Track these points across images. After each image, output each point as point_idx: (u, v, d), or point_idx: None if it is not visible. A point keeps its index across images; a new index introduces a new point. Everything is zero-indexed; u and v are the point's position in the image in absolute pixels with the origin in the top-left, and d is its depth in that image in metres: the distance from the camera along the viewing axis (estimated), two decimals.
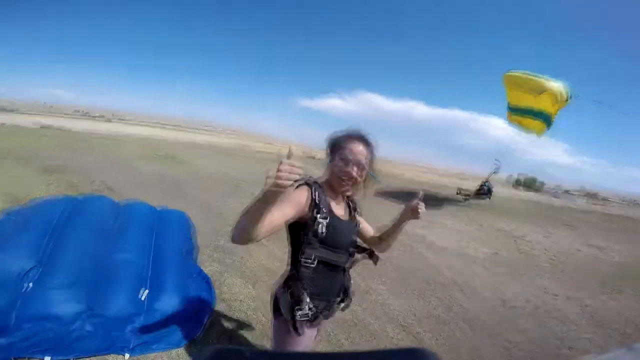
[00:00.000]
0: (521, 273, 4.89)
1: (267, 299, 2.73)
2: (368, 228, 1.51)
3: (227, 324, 2.35)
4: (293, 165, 0.88)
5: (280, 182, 0.86)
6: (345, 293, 1.41)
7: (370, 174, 1.30)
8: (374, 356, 0.35)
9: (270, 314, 1.37)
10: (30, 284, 1.85)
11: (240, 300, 2.71)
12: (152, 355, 1.89)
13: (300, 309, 1.21)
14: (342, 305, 1.41)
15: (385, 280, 3.74)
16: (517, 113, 9.66)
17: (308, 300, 1.22)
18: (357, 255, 1.40)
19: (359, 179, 1.25)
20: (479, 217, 9.44)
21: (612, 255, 7.05)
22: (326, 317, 1.36)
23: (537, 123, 9.30)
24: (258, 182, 1.18)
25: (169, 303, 2.06)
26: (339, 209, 1.32)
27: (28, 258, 2.03)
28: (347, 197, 1.38)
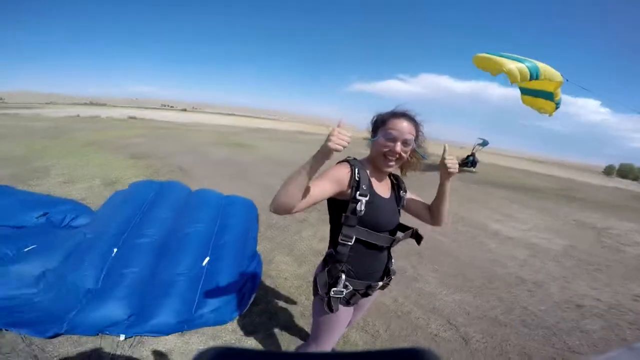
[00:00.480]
0: (598, 269, 4.32)
1: (311, 279, 2.93)
2: (420, 203, 1.45)
3: (270, 302, 2.49)
4: (343, 133, 0.99)
5: (330, 144, 0.98)
6: (387, 274, 1.38)
7: (416, 151, 1.28)
8: (373, 356, 0.34)
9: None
10: (115, 249, 2.33)
11: (285, 278, 2.87)
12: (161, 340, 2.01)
13: (336, 288, 1.25)
14: (380, 284, 1.37)
15: (437, 268, 3.57)
16: (529, 94, 8.85)
17: (344, 278, 1.25)
18: (399, 235, 1.35)
19: (403, 154, 1.22)
20: (554, 207, 8.52)
21: None
22: (364, 296, 1.35)
23: (548, 103, 8.53)
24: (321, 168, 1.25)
25: (225, 274, 2.30)
26: (382, 188, 1.30)
27: (125, 224, 2.63)
28: (393, 176, 1.38)
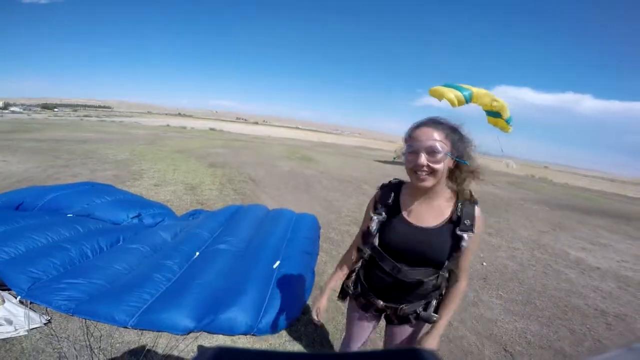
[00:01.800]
0: None
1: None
2: (465, 256, 1.16)
3: (311, 301, 2.53)
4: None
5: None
6: (397, 302, 1.26)
7: (455, 159, 1.08)
8: (373, 356, 0.34)
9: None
10: (197, 252, 2.64)
11: (335, 291, 2.90)
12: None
13: (348, 280, 1.37)
14: (381, 303, 1.27)
15: (502, 295, 3.30)
16: (491, 115, 11.22)
17: (353, 278, 1.35)
18: (421, 269, 1.16)
19: (432, 165, 1.05)
20: None
21: None
22: (372, 308, 1.32)
23: (500, 121, 10.91)
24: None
25: (289, 280, 2.46)
26: (422, 213, 1.16)
27: (210, 234, 3.07)
28: (465, 209, 1.12)
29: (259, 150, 13.20)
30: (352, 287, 1.36)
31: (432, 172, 1.05)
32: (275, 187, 6.89)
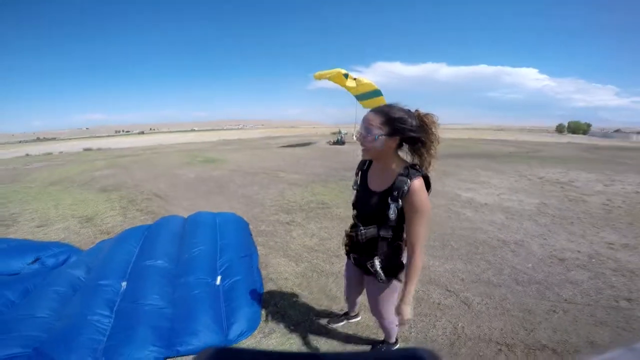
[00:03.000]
0: (571, 222, 4.69)
1: (310, 274, 3.00)
2: (407, 224, 1.36)
3: (277, 303, 2.54)
4: None
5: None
6: (353, 248, 1.56)
7: (385, 137, 1.28)
8: (375, 356, 0.35)
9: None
10: (124, 282, 2.29)
11: (286, 279, 2.93)
12: None
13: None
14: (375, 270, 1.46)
15: None
16: (362, 99, 13.81)
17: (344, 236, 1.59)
18: (363, 230, 1.42)
19: (365, 143, 1.32)
20: (519, 168, 9.14)
21: None
22: (358, 264, 1.61)
23: (377, 100, 13.17)
24: (293, 169, 1.33)
25: (240, 290, 2.33)
26: (375, 180, 1.44)
27: (126, 258, 2.66)
28: (400, 179, 1.30)
29: (153, 162, 11.83)
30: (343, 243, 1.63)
31: (367, 149, 1.35)
32: (185, 197, 6.33)
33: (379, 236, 1.40)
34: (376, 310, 1.69)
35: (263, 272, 2.92)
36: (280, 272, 3.06)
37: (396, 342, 2.03)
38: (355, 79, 13.95)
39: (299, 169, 9.05)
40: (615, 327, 2.32)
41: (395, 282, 1.54)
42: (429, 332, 2.28)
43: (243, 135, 27.28)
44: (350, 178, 7.14)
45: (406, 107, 1.32)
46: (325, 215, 4.82)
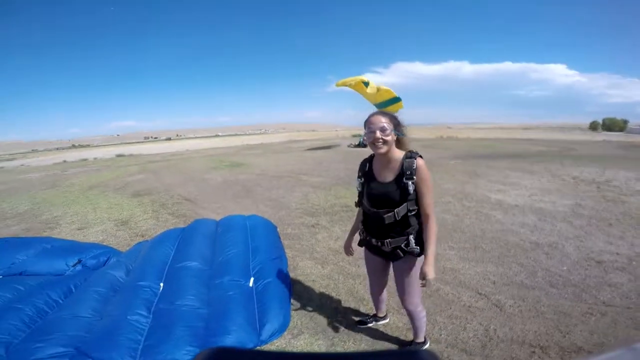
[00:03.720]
0: (609, 223, 4.45)
1: (336, 277, 3.03)
2: (420, 197, 1.62)
3: (306, 304, 2.59)
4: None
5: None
6: (384, 237, 1.72)
7: (395, 133, 1.61)
8: (373, 356, 0.35)
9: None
10: (162, 284, 2.42)
11: (313, 280, 2.98)
12: None
13: (360, 234, 1.91)
14: (374, 242, 1.77)
15: (452, 246, 3.70)
16: (382, 107, 13.41)
17: (361, 227, 1.87)
18: (398, 210, 1.64)
19: (385, 138, 1.58)
20: (550, 168, 8.76)
21: None
22: (370, 246, 1.86)
23: (396, 106, 13.52)
24: (316, 172, 1.40)
25: (272, 291, 2.41)
26: (383, 173, 1.69)
27: (163, 260, 2.76)
28: (406, 165, 1.60)
29: (182, 167, 12.31)
30: (361, 235, 1.90)
31: (384, 142, 1.58)
32: (214, 200, 6.57)
33: (408, 211, 1.63)
34: (407, 292, 1.82)
35: (291, 274, 2.99)
36: (307, 275, 3.11)
37: (425, 342, 2.05)
38: (376, 87, 14.07)
39: (321, 172, 9.12)
40: None
41: (421, 258, 1.72)
42: (460, 335, 2.25)
43: (265, 139, 27.74)
44: None
45: None
46: (349, 218, 4.84)
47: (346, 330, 2.29)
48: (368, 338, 2.23)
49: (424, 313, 1.94)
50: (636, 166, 9.36)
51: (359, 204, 1.83)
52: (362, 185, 1.77)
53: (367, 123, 1.63)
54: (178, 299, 2.15)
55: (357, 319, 2.41)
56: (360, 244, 1.94)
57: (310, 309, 2.54)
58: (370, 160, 1.79)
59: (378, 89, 13.95)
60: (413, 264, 1.75)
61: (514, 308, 2.53)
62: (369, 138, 1.61)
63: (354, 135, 25.94)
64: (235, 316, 2.01)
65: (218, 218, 4.18)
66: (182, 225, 4.70)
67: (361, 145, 17.33)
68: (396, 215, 1.64)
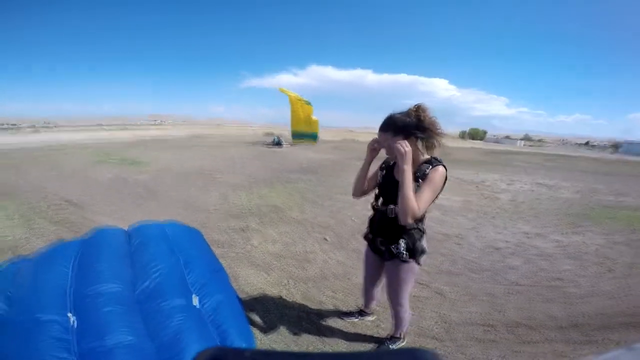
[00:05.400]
0: (492, 216, 5.39)
1: (286, 282, 2.86)
2: (418, 191, 1.54)
3: (264, 317, 2.38)
4: (375, 141, 1.70)
5: (368, 146, 1.74)
6: (380, 234, 1.78)
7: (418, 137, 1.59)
8: (374, 356, 0.35)
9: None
10: (71, 315, 1.79)
11: (262, 290, 2.75)
12: None
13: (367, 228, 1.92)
14: (371, 237, 1.85)
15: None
16: (297, 137, 14.37)
17: (367, 224, 1.90)
18: (393, 207, 1.65)
19: (390, 152, 1.65)
20: None
21: (562, 192, 7.96)
22: (373, 249, 1.88)
23: (309, 141, 14.38)
24: (232, 171, 1.22)
25: (224, 309, 2.05)
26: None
27: (60, 285, 1.96)
28: (422, 167, 1.59)
29: (57, 162, 9.95)
30: (367, 228, 1.92)
31: (390, 152, 1.63)
32: (107, 203, 5.42)
33: None
34: (394, 292, 1.83)
35: (235, 286, 2.66)
36: (253, 284, 2.85)
37: (402, 339, 2.09)
38: (310, 116, 14.59)
39: (236, 171, 8.61)
40: (561, 302, 2.76)
41: (413, 264, 1.73)
42: (422, 324, 2.40)
43: (163, 133, 24.82)
44: (295, 180, 7.11)
45: (407, 110, 1.60)
46: (281, 220, 4.66)
47: (318, 336, 2.19)
48: (344, 341, 2.16)
49: (409, 314, 1.97)
50: (497, 169, 11.67)
51: (376, 195, 1.82)
52: (382, 178, 1.78)
53: (379, 134, 1.66)
54: (106, 335, 1.63)
55: (322, 321, 2.35)
56: (364, 236, 1.97)
57: (270, 321, 2.34)
58: (390, 160, 1.81)
59: (309, 117, 14.32)
60: (401, 268, 1.76)
61: (453, 294, 2.83)
62: (385, 151, 1.70)
63: (267, 134, 25.54)
64: (191, 347, 1.64)
65: (118, 225, 3.44)
66: (71, 236, 3.79)
67: (277, 144, 17.06)
68: (391, 212, 1.65)
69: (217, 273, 2.51)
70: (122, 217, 4.67)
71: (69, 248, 2.61)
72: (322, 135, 19.77)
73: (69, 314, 1.79)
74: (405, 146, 1.48)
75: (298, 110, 15.15)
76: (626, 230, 4.91)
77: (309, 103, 14.74)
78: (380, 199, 1.78)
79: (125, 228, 3.35)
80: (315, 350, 2.01)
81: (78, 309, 1.85)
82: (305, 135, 14.89)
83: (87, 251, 2.53)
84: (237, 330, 1.87)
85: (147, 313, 1.91)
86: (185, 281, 2.25)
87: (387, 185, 1.72)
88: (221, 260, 3.10)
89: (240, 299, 2.39)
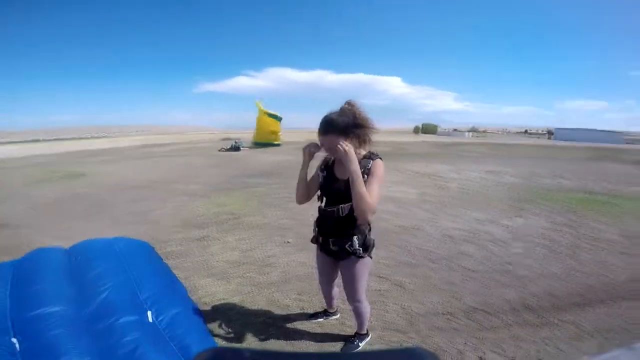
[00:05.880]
0: (445, 206, 5.68)
1: (248, 289, 2.82)
2: (367, 185, 1.58)
3: (228, 326, 2.32)
4: (311, 146, 1.71)
5: (305, 152, 1.74)
6: (331, 235, 1.76)
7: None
8: (372, 356, 0.35)
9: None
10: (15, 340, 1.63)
11: (223, 299, 2.69)
12: None
13: (313, 231, 1.91)
14: (355, 249, 1.73)
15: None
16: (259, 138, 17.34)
17: (314, 227, 1.90)
18: (342, 205, 1.67)
19: (332, 153, 1.66)
20: (394, 164, 10.50)
21: (506, 178, 8.60)
22: (325, 251, 1.87)
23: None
24: (189, 180, 1.21)
25: (182, 323, 1.97)
26: (342, 171, 1.68)
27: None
28: (363, 163, 1.62)
29: None
30: (314, 232, 1.90)
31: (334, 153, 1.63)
32: (51, 221, 5.00)
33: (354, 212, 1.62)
34: (352, 289, 1.85)
35: (193, 298, 2.57)
36: (213, 294, 2.76)
37: (367, 334, 2.14)
38: (279, 130, 16.69)
39: (194, 179, 8.29)
40: (514, 286, 2.93)
41: (367, 258, 1.80)
42: (385, 317, 2.45)
43: (114, 144, 23.16)
44: (255, 185, 7.01)
45: (341, 109, 1.66)
46: (238, 226, 4.57)
47: (286, 341, 2.17)
48: (312, 343, 2.16)
49: (368, 308, 2.01)
50: (448, 160, 12.32)
51: (320, 197, 1.82)
52: (324, 179, 1.78)
53: (319, 136, 1.66)
54: (58, 358, 1.52)
55: (291, 325, 2.35)
56: (312, 240, 1.95)
57: (235, 331, 2.27)
58: (329, 159, 1.81)
59: (275, 132, 16.11)
60: (357, 264, 1.80)
61: (412, 285, 2.93)
62: (325, 150, 1.70)
63: (224, 139, 24.87)
64: None
65: (62, 245, 3.19)
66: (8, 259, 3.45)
67: (234, 148, 16.78)
68: (341, 211, 1.66)
69: (171, 286, 2.43)
70: (69, 236, 4.31)
71: (2, 270, 2.40)
72: (284, 137, 19.67)
73: (13, 339, 1.65)
74: (347, 146, 1.52)
75: (263, 125, 16.36)
76: (565, 210, 5.42)
77: (278, 118, 15.76)
78: (324, 200, 1.79)
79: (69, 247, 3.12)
80: (309, 351, 2.00)
81: (23, 333, 1.72)
82: (266, 144, 16.51)
83: (22, 273, 2.35)
84: (199, 344, 1.82)
85: (99, 333, 1.81)
86: (138, 297, 2.16)
87: (330, 186, 1.74)
88: (177, 272, 3.02)
89: (200, 311, 2.33)
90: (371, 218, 1.60)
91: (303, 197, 1.84)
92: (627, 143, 30.17)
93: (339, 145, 1.53)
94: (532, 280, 3.03)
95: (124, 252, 2.82)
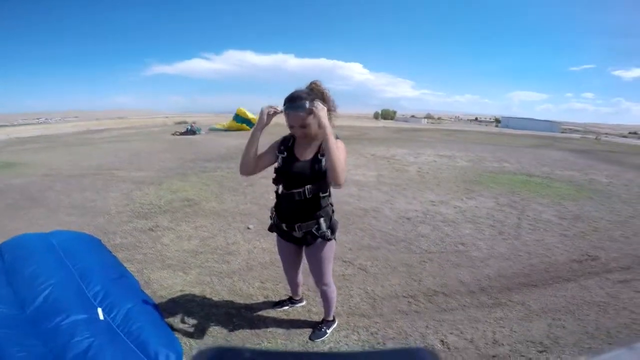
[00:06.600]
0: (403, 188, 5.88)
1: (208, 280, 2.68)
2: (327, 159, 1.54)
3: (188, 320, 2.18)
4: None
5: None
6: (295, 220, 1.67)
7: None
8: (375, 355, 0.34)
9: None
10: None
11: (181, 291, 2.53)
12: None
13: (271, 219, 1.82)
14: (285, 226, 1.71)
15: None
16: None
17: (271, 214, 1.82)
18: (308, 187, 1.59)
19: (302, 130, 1.57)
20: (355, 148, 10.72)
21: (458, 161, 9.09)
22: (287, 238, 1.80)
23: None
24: (136, 166, 1.10)
25: (137, 319, 1.79)
26: (302, 152, 1.65)
27: None
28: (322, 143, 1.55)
29: None
30: (272, 219, 1.81)
31: (304, 128, 1.56)
32: None
33: (320, 191, 1.62)
34: (320, 273, 1.82)
35: (148, 291, 2.37)
36: (170, 287, 2.58)
37: (334, 321, 2.12)
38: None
39: (142, 165, 7.71)
40: (467, 267, 3.06)
41: (333, 241, 1.78)
42: (350, 302, 2.44)
43: (48, 130, 20.78)
44: (213, 169, 6.72)
45: (308, 88, 1.62)
46: (196, 213, 4.34)
47: (252, 330, 2.09)
48: (279, 331, 2.09)
49: (335, 292, 1.97)
50: (406, 145, 12.76)
51: (275, 181, 1.70)
52: (283, 161, 1.67)
53: (285, 114, 1.58)
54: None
55: (275, 300, 2.37)
56: (270, 228, 1.86)
57: (197, 324, 2.14)
58: (292, 137, 1.71)
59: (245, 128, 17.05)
60: (324, 247, 1.76)
61: (374, 268, 2.97)
62: (289, 127, 1.61)
63: (179, 122, 23.50)
64: None
65: None
66: None
67: (190, 132, 15.98)
68: (306, 193, 1.59)
69: (121, 280, 2.24)
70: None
71: None
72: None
73: None
74: (322, 106, 1.50)
75: (234, 125, 17.57)
76: (508, 192, 5.83)
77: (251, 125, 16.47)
78: (283, 184, 1.69)
79: None
80: (306, 349, 1.93)
81: None
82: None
83: None
84: (158, 338, 1.68)
85: (46, 333, 1.61)
86: (84, 293, 1.96)
87: (290, 168, 1.64)
88: (127, 265, 2.81)
89: (156, 305, 2.17)
90: (343, 182, 1.50)
91: (250, 165, 1.65)
92: (562, 132, 33.30)
93: (315, 103, 1.49)
94: (482, 261, 3.15)
95: (63, 245, 2.55)
